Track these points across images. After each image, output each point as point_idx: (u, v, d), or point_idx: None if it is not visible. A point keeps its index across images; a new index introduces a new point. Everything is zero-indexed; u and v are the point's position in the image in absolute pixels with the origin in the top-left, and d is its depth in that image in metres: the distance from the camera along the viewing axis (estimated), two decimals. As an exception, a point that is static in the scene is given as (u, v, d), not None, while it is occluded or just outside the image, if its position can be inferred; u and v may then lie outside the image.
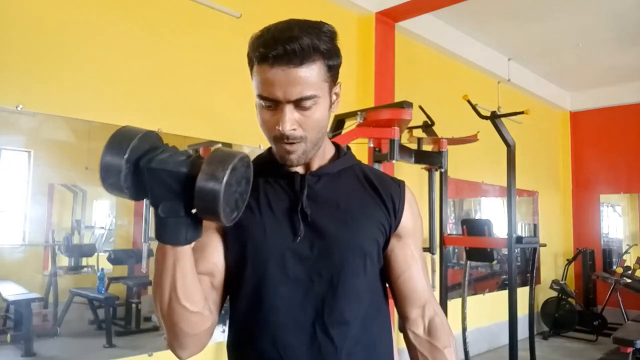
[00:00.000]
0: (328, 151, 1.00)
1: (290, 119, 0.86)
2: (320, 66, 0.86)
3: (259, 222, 0.93)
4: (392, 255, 1.00)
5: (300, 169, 0.97)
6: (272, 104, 0.87)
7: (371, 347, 0.95)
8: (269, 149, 1.02)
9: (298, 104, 0.86)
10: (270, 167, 0.97)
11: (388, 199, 0.99)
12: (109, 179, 0.71)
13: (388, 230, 0.98)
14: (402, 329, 1.03)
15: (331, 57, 0.88)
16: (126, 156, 0.71)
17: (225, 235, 0.94)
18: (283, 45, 0.82)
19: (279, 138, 0.88)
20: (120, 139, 0.72)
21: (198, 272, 0.86)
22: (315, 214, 0.93)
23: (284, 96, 0.85)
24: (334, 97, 0.93)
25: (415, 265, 1.00)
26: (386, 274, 1.01)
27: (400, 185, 1.02)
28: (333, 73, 0.90)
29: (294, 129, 0.87)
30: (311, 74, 0.85)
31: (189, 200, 0.73)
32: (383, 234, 0.97)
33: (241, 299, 0.94)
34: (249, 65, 0.90)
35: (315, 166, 0.97)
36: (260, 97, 0.87)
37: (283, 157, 0.91)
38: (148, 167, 0.72)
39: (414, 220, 1.02)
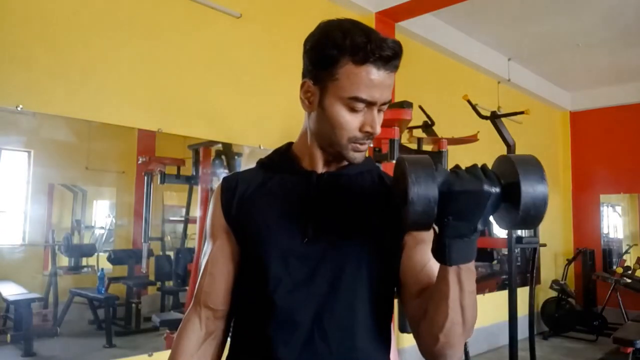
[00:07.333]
0: None
1: (379, 122, 0.88)
2: None
3: (269, 219, 0.92)
4: (410, 253, 0.94)
5: (319, 169, 0.96)
6: (362, 106, 0.86)
7: (369, 355, 0.92)
8: (289, 145, 1.01)
9: (381, 107, 0.87)
10: (288, 164, 0.96)
11: None
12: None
13: (401, 235, 0.95)
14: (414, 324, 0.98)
15: None
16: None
17: (235, 233, 0.95)
18: (392, 49, 0.83)
19: (359, 138, 0.89)
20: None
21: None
22: (326, 216, 0.92)
23: (380, 99, 0.85)
24: None
25: (433, 259, 0.97)
26: (405, 274, 0.95)
27: None
28: None
29: None
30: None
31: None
32: (395, 238, 0.94)
33: (243, 296, 0.94)
34: (325, 61, 0.86)
35: (334, 167, 0.97)
36: (356, 98, 0.85)
37: (353, 157, 0.91)
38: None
39: None
